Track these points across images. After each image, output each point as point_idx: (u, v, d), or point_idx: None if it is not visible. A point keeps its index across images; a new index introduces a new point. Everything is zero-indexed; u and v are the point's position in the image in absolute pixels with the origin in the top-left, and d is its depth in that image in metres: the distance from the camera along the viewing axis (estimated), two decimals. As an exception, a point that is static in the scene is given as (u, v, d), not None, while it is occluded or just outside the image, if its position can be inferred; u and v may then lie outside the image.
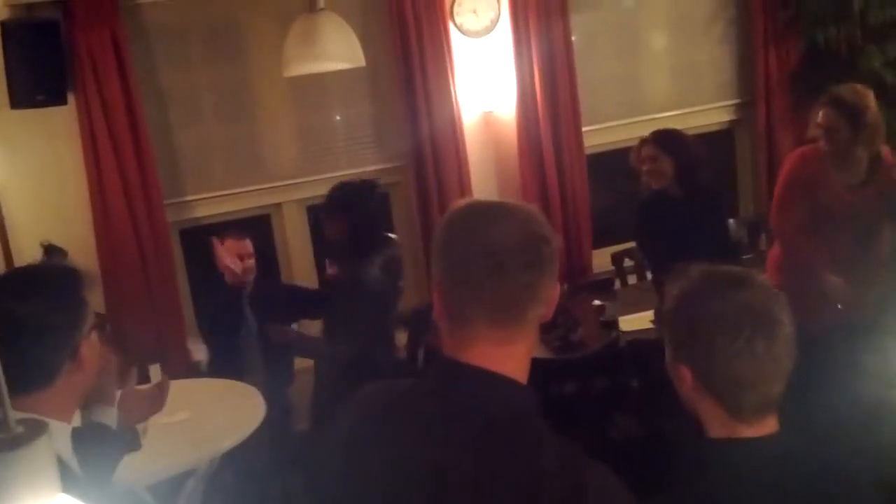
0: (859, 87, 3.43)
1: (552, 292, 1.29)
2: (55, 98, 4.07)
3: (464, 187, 4.74)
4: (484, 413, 1.23)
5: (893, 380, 2.93)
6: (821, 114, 3.35)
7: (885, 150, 3.42)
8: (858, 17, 4.94)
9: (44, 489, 0.77)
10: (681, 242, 3.48)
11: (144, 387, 2.07)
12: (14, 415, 0.78)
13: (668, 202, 3.76)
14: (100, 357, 1.61)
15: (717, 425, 1.45)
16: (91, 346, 1.57)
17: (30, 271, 1.71)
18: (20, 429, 0.78)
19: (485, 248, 1.24)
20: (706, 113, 5.34)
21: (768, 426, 1.44)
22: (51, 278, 1.59)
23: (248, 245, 3.81)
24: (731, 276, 1.47)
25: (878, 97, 5.07)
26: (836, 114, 3.30)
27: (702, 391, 1.44)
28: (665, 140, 3.76)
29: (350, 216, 3.74)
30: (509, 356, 1.27)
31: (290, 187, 4.75)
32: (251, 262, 3.78)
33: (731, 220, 4.25)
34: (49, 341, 1.49)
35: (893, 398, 2.65)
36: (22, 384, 1.44)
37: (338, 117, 4.85)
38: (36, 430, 0.80)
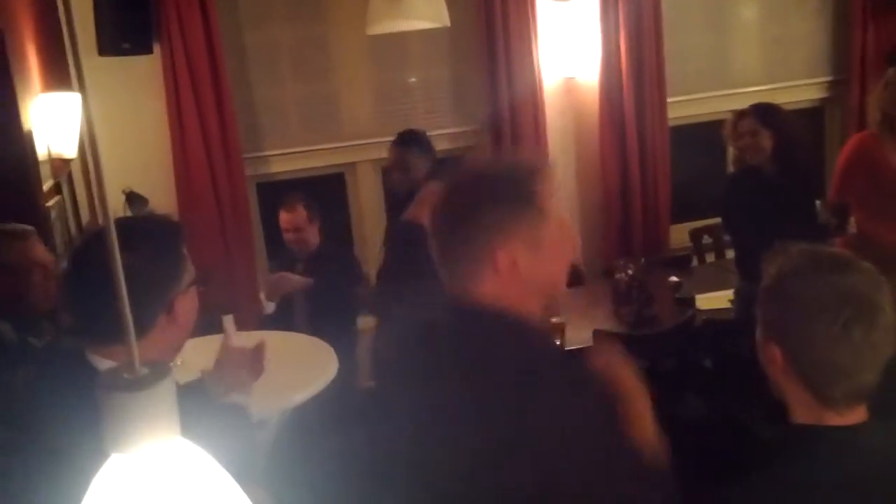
0: None
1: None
2: (141, 47, 4.11)
3: (542, 154, 4.66)
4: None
5: None
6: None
7: None
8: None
9: (165, 431, 0.77)
10: (770, 222, 3.38)
11: (241, 348, 1.99)
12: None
13: (760, 178, 3.63)
14: (195, 312, 1.60)
15: (804, 411, 1.40)
16: (188, 300, 1.56)
17: (131, 222, 1.70)
18: (145, 370, 0.77)
19: None
20: (796, 89, 5.15)
21: (857, 415, 1.38)
22: (151, 230, 1.58)
23: (299, 218, 4.03)
24: (833, 258, 1.41)
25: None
26: None
27: (792, 374, 1.39)
28: (766, 114, 3.61)
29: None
30: None
31: (365, 146, 4.74)
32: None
33: (817, 202, 4.10)
34: (145, 293, 1.47)
35: None
36: (116, 334, 1.43)
37: (415, 78, 4.80)
38: (161, 372, 0.79)
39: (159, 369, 0.78)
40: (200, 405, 1.76)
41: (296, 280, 4.00)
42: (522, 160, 1.43)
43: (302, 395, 2.93)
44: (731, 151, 4.71)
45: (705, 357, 3.74)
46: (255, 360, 1.95)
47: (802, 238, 3.64)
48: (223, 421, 1.75)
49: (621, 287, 4.13)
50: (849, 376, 1.34)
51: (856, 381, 1.35)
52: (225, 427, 1.71)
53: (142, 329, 1.47)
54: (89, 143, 4.15)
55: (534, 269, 1.34)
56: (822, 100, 5.22)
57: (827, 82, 5.20)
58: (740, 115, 3.68)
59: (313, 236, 4.09)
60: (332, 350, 3.22)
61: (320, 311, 3.95)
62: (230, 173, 4.34)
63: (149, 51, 4.16)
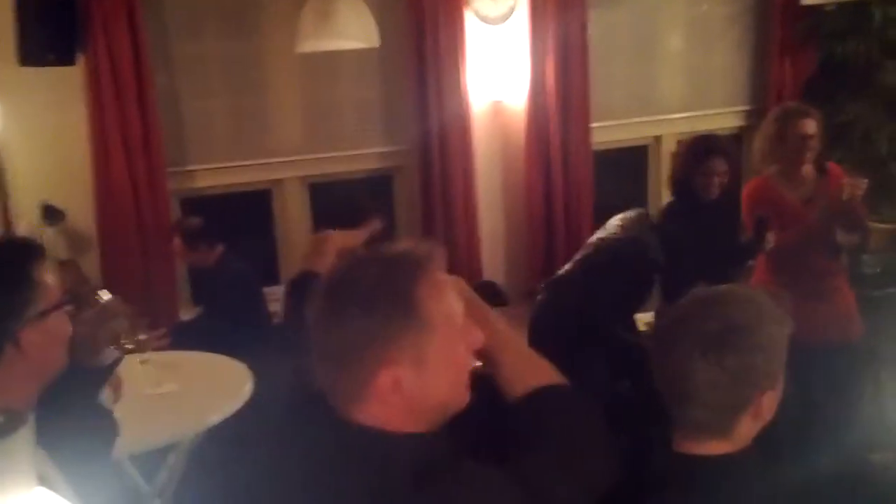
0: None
1: None
2: (65, 58, 4.05)
3: (468, 176, 4.73)
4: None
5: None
6: (809, 123, 3.42)
7: (830, 164, 3.56)
8: (877, 32, 4.90)
9: (23, 481, 0.76)
10: (703, 248, 3.43)
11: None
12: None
13: (696, 206, 3.58)
14: (55, 343, 1.46)
15: (677, 437, 1.46)
16: (40, 331, 1.40)
17: None
18: (0, 419, 0.77)
19: None
20: (717, 117, 5.31)
21: (714, 446, 1.42)
22: None
23: (177, 249, 4.06)
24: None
25: (890, 115, 5.08)
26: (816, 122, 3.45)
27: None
28: (732, 152, 3.67)
29: None
30: None
31: (293, 163, 4.73)
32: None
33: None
34: None
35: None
36: None
37: (346, 97, 4.81)
38: (16, 421, 0.79)
39: (14, 418, 0.78)
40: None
41: None
42: (402, 259, 1.20)
43: (214, 417, 2.91)
44: (661, 175, 4.82)
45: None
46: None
47: (731, 259, 3.74)
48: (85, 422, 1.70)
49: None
50: (694, 403, 1.39)
51: (701, 408, 1.40)
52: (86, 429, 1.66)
53: None
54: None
55: (420, 391, 1.16)
56: (741, 128, 5.40)
57: (745, 111, 5.38)
58: (707, 152, 3.53)
59: (202, 261, 4.05)
60: (247, 370, 3.20)
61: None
62: (153, 187, 4.29)
63: (72, 62, 4.09)
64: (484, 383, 1.30)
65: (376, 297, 1.15)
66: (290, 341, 1.57)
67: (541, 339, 3.62)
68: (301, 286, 1.64)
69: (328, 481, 1.17)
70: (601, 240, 3.75)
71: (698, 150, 3.57)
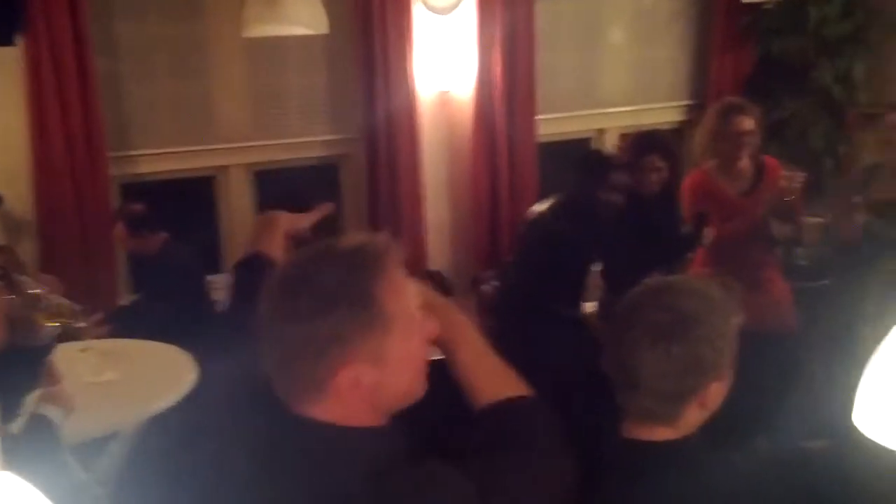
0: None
1: None
2: (3, 39, 3.94)
3: (415, 165, 4.74)
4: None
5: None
6: (746, 119, 3.51)
7: (767, 159, 3.67)
8: (814, 30, 5.04)
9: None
10: (646, 241, 3.52)
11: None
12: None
13: (637, 201, 3.73)
14: None
15: (625, 424, 1.49)
16: None
17: None
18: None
19: None
20: (659, 111, 5.42)
21: (661, 433, 1.45)
22: None
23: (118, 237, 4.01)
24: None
25: (824, 111, 5.24)
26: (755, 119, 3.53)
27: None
28: (670, 148, 3.77)
29: None
30: None
31: (238, 150, 4.68)
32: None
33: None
34: None
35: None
36: None
37: (293, 84, 4.78)
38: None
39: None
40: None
41: None
42: (360, 254, 1.17)
43: (157, 406, 2.87)
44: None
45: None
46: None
47: (672, 251, 3.82)
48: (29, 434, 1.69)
49: (487, 298, 4.24)
50: (643, 389, 1.42)
51: (651, 394, 1.42)
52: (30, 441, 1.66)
53: None
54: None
55: (380, 387, 1.15)
56: (682, 122, 5.51)
57: (687, 106, 5.48)
58: (645, 147, 3.72)
59: (145, 248, 3.99)
60: (190, 357, 3.16)
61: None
62: (93, 172, 4.20)
63: (10, 42, 3.98)
64: (443, 374, 1.32)
65: (335, 295, 1.12)
66: (235, 330, 1.52)
67: (495, 320, 3.73)
68: (247, 269, 1.61)
69: (280, 477, 1.16)
70: (531, 222, 3.82)
71: (636, 147, 3.76)
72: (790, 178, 3.42)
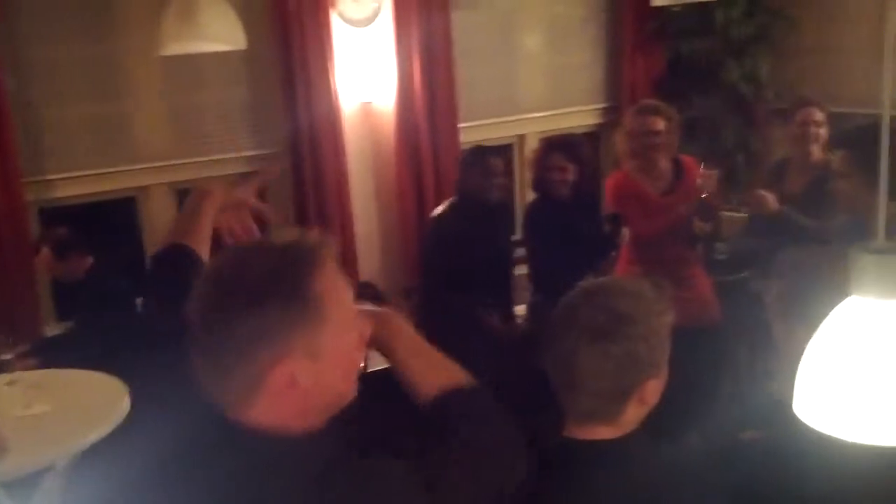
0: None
1: None
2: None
3: (341, 177, 4.74)
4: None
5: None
6: (655, 119, 3.63)
7: (684, 158, 3.79)
8: (720, 31, 5.23)
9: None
10: (567, 242, 3.65)
11: None
12: None
13: (557, 204, 3.83)
14: None
15: (566, 423, 1.52)
16: None
17: None
18: None
19: None
20: (576, 115, 5.54)
21: (602, 431, 1.49)
22: None
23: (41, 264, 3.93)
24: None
25: (734, 109, 5.43)
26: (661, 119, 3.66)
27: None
28: (574, 149, 3.86)
29: None
30: None
31: (158, 169, 4.61)
32: None
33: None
34: None
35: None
36: None
37: (212, 100, 4.72)
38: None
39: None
40: None
41: None
42: (294, 248, 1.15)
43: (91, 436, 2.81)
44: (525, 173, 5.00)
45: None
46: None
47: (594, 251, 3.91)
48: None
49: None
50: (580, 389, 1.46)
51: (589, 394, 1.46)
52: None
53: None
54: None
55: (316, 385, 1.13)
56: (599, 125, 5.64)
57: (602, 108, 5.62)
58: (548, 149, 3.90)
59: (72, 273, 3.92)
60: (121, 385, 3.10)
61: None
62: (8, 197, 4.08)
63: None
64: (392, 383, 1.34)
65: (268, 289, 1.10)
66: (158, 332, 1.50)
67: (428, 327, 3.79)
68: (166, 262, 1.55)
69: (220, 489, 1.14)
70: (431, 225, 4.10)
71: (541, 148, 3.97)
72: (705, 177, 3.56)
